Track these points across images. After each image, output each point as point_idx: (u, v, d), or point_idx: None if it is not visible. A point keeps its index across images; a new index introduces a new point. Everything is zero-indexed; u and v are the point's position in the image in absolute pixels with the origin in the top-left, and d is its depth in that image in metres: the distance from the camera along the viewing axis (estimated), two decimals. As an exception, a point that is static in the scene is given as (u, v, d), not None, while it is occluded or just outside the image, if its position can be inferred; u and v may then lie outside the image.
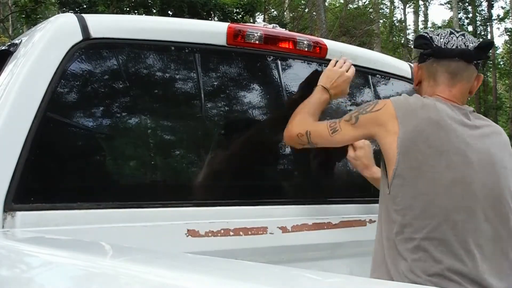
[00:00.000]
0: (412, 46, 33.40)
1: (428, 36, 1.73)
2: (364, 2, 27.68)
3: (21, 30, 19.74)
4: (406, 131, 1.58)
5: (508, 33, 33.40)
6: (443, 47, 1.70)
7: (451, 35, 1.71)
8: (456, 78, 1.71)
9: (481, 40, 1.75)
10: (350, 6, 26.60)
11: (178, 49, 1.89)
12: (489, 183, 1.58)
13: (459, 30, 1.76)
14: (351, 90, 2.32)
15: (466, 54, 1.69)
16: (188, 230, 1.69)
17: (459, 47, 1.69)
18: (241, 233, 1.77)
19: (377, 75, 2.33)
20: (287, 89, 2.11)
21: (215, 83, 2.00)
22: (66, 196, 1.62)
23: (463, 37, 1.71)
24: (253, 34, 1.97)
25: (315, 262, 1.93)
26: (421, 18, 34.34)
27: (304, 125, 1.86)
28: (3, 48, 1.99)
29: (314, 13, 20.44)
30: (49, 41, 1.66)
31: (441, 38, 1.71)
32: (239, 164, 1.99)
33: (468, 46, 1.70)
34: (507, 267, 1.58)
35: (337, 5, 29.90)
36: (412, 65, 2.47)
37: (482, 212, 1.56)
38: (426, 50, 1.73)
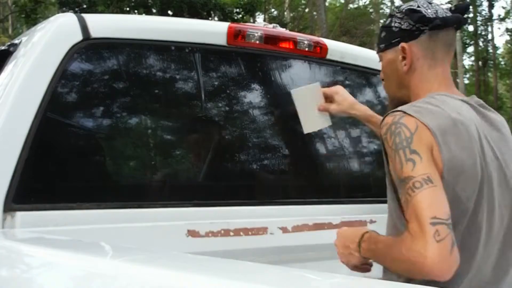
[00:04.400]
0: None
1: (418, 9, 1.53)
2: (365, 2, 27.69)
3: (20, 30, 19.75)
4: (449, 162, 1.36)
5: (509, 33, 33.39)
6: (438, 16, 1.52)
7: (432, 4, 1.55)
8: (451, 49, 1.57)
9: (451, 8, 1.60)
10: (351, 6, 26.61)
11: (178, 49, 1.89)
12: (508, 203, 1.47)
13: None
14: (351, 90, 2.32)
15: (460, 20, 1.55)
16: (188, 231, 1.69)
17: (446, 14, 1.54)
18: (241, 233, 1.76)
19: (378, 75, 2.33)
20: (287, 89, 2.11)
21: (216, 83, 2.00)
22: (66, 196, 1.62)
23: (440, 6, 1.58)
24: (254, 34, 1.97)
25: (315, 262, 1.93)
26: (421, 18, 34.31)
27: (422, 219, 1.27)
28: (3, 48, 1.99)
29: (314, 13, 20.44)
30: (49, 41, 1.66)
31: (428, 9, 1.53)
32: (239, 164, 1.99)
33: (447, 13, 1.55)
34: None
35: (338, 5, 29.92)
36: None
37: (502, 239, 1.45)
38: (427, 23, 1.51)
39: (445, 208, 1.28)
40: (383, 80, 1.67)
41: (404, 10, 1.55)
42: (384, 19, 1.71)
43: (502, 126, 1.55)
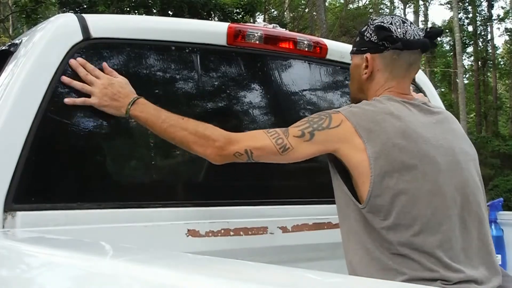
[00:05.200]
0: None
1: (386, 26, 1.65)
2: (364, 2, 27.69)
3: (21, 30, 19.75)
4: (375, 151, 1.52)
5: (508, 33, 33.39)
6: (404, 37, 1.63)
7: (405, 24, 1.65)
8: (411, 68, 1.68)
9: (426, 28, 1.73)
10: (350, 6, 26.61)
11: (178, 49, 1.89)
12: (459, 185, 1.57)
13: (403, 18, 1.70)
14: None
15: (426, 45, 1.67)
16: (188, 230, 1.69)
17: (415, 37, 1.64)
18: (241, 233, 1.77)
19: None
20: (287, 89, 2.11)
21: (215, 83, 2.00)
22: (66, 196, 1.62)
23: (413, 26, 1.67)
24: (253, 34, 1.97)
25: (315, 262, 1.93)
26: (421, 18, 34.38)
27: (242, 142, 1.62)
28: (4, 48, 1.99)
29: (314, 13, 20.44)
30: (50, 41, 1.66)
31: (398, 28, 1.64)
32: (239, 164, 1.99)
33: (419, 35, 1.66)
34: (494, 269, 1.57)
35: (337, 5, 29.92)
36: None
37: (458, 218, 1.54)
38: (392, 42, 1.63)
39: (258, 145, 1.60)
40: (349, 83, 1.81)
41: (374, 27, 1.67)
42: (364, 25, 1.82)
43: (447, 119, 1.70)
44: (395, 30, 1.63)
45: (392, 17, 1.68)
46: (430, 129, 1.59)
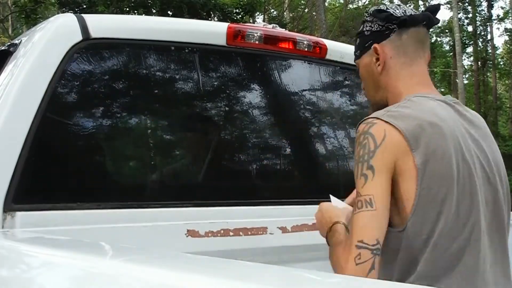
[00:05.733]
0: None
1: (385, 9, 1.56)
2: (364, 2, 27.70)
3: (21, 30, 19.74)
4: (422, 165, 1.35)
5: (508, 33, 33.40)
6: (406, 15, 1.53)
7: (401, 6, 1.58)
8: (424, 46, 1.56)
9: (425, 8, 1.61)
10: (350, 6, 26.61)
11: (178, 49, 1.89)
12: (490, 197, 1.47)
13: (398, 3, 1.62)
14: (350, 90, 2.32)
15: (430, 18, 1.56)
16: (188, 230, 1.69)
17: (412, 13, 1.55)
18: (241, 233, 1.77)
19: (377, 75, 2.33)
20: (286, 89, 2.11)
21: (215, 83, 2.00)
22: (66, 196, 1.62)
23: (410, 7, 1.60)
24: (253, 34, 1.97)
25: (315, 262, 1.92)
26: (421, 18, 34.33)
27: (347, 246, 1.35)
28: (3, 48, 1.99)
29: (314, 13, 20.44)
30: (49, 41, 1.66)
31: (396, 10, 1.55)
32: (239, 164, 1.99)
33: (416, 12, 1.57)
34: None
35: (337, 5, 29.92)
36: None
37: (488, 237, 1.45)
38: (396, 21, 1.52)
39: (375, 234, 1.32)
40: (363, 89, 1.64)
41: (372, 12, 1.58)
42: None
43: (480, 122, 1.56)
44: (393, 12, 1.54)
45: (385, 4, 1.63)
46: (469, 136, 1.48)
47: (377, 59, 1.54)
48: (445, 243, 1.36)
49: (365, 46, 1.58)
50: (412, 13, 1.55)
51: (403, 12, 1.54)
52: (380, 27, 1.54)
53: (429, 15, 1.56)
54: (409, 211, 1.35)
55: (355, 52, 1.64)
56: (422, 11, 1.60)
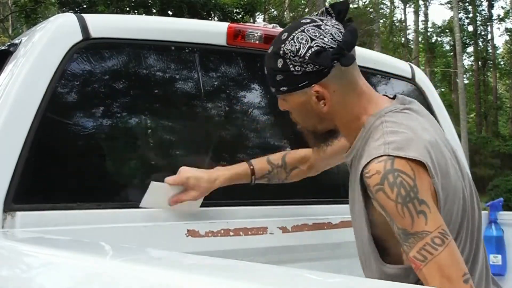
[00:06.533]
0: (412, 46, 33.47)
1: (321, 46, 1.36)
2: (364, 2, 27.70)
3: (21, 30, 19.76)
4: (440, 187, 1.33)
5: (508, 33, 33.40)
6: (337, 42, 1.37)
7: (322, 27, 1.38)
8: (357, 66, 1.44)
9: (324, 11, 1.44)
10: (350, 6, 26.61)
11: (178, 49, 1.89)
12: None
13: (309, 19, 1.42)
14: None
15: (355, 34, 1.42)
16: (188, 230, 1.68)
17: (339, 33, 1.39)
18: (241, 233, 1.76)
19: (378, 75, 2.33)
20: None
21: (215, 83, 2.00)
22: (66, 196, 1.62)
23: (324, 23, 1.40)
24: (253, 34, 1.97)
25: (315, 262, 1.93)
26: (421, 18, 34.41)
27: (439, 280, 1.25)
28: (3, 48, 1.99)
29: (314, 13, 20.43)
30: (49, 41, 1.66)
31: (324, 38, 1.37)
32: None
33: (340, 29, 1.40)
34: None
35: (337, 5, 29.86)
36: (412, 65, 2.47)
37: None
38: (336, 55, 1.35)
39: (464, 264, 1.28)
40: (294, 119, 1.52)
41: (303, 56, 1.36)
42: (270, 57, 1.41)
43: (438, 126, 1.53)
44: (325, 44, 1.36)
45: (304, 32, 1.38)
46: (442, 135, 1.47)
47: (318, 98, 1.40)
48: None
49: (298, 85, 1.40)
50: (341, 39, 1.37)
51: (330, 39, 1.37)
52: (317, 67, 1.37)
53: (354, 32, 1.40)
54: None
55: (276, 86, 1.45)
56: (328, 10, 1.43)
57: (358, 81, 1.44)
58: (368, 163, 1.32)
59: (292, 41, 1.38)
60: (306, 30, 1.39)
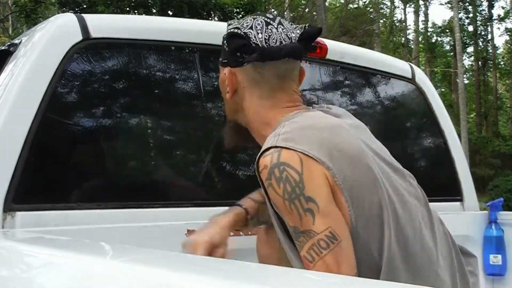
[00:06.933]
0: (412, 46, 33.48)
1: (241, 32, 1.35)
2: (364, 2, 27.71)
3: (21, 30, 19.76)
4: (344, 177, 1.24)
5: (508, 33, 33.42)
6: (265, 45, 1.33)
7: (269, 27, 1.34)
8: (286, 80, 1.38)
9: (304, 27, 1.39)
10: (350, 6, 26.62)
11: (178, 49, 1.89)
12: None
13: (271, 16, 1.40)
14: (351, 90, 2.32)
15: (297, 52, 1.36)
16: (188, 231, 1.68)
17: (283, 41, 1.34)
18: (241, 233, 1.76)
19: (378, 75, 2.33)
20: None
21: (216, 83, 2.00)
22: (66, 196, 1.62)
23: (282, 27, 1.36)
24: (253, 34, 1.96)
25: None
26: (421, 18, 34.42)
27: None
28: (3, 48, 1.99)
29: (314, 13, 20.44)
30: (49, 41, 1.66)
31: (258, 34, 1.33)
32: (239, 164, 1.99)
33: (291, 38, 1.36)
34: None
35: (337, 5, 29.93)
36: (412, 65, 2.47)
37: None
38: (248, 53, 1.34)
39: (354, 262, 1.23)
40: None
41: (229, 32, 1.38)
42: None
43: (362, 125, 1.46)
44: (254, 36, 1.34)
45: (254, 19, 1.38)
46: (365, 140, 1.38)
47: (227, 82, 1.41)
48: None
49: (222, 61, 1.43)
50: (273, 45, 1.34)
51: (265, 39, 1.34)
52: (235, 51, 1.36)
53: (293, 49, 1.35)
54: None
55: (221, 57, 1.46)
56: (304, 29, 1.39)
57: (276, 94, 1.38)
58: (259, 157, 1.28)
59: (240, 20, 1.41)
60: (255, 19, 1.38)
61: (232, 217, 1.53)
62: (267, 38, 1.34)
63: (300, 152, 1.22)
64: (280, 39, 1.35)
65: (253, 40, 1.34)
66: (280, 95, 1.39)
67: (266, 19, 1.37)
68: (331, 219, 1.22)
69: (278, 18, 1.40)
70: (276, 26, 1.36)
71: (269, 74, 1.37)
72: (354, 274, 1.21)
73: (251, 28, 1.35)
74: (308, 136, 1.25)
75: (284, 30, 1.36)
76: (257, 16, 1.39)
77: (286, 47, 1.34)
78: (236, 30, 1.36)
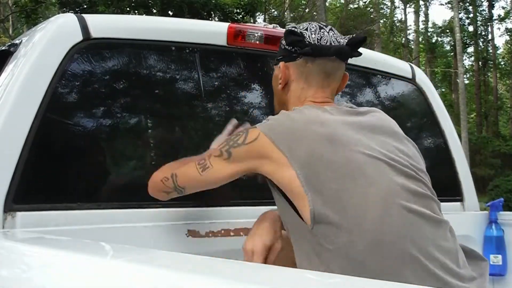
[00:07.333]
0: (412, 46, 33.47)
1: (298, 31, 1.54)
2: (365, 2, 27.71)
3: (21, 30, 19.78)
4: (300, 163, 1.36)
5: (508, 33, 33.41)
6: (317, 43, 1.52)
7: (322, 30, 1.54)
8: (330, 78, 1.56)
9: (351, 36, 1.58)
10: (351, 6, 26.63)
11: (178, 49, 1.89)
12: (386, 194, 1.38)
13: (324, 24, 1.59)
14: (351, 90, 2.32)
15: (344, 52, 1.54)
16: (188, 231, 1.69)
17: (332, 43, 1.53)
18: (241, 233, 1.76)
19: (378, 75, 2.33)
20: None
21: (216, 83, 2.00)
22: (66, 196, 1.62)
23: (333, 32, 1.55)
24: (254, 34, 1.97)
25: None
26: (421, 18, 34.41)
27: (170, 168, 1.60)
28: (4, 48, 1.99)
29: (314, 13, 20.44)
30: (49, 41, 1.66)
31: (312, 34, 1.53)
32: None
33: (340, 42, 1.54)
34: None
35: (338, 5, 29.95)
36: (413, 65, 2.47)
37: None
38: (301, 48, 1.52)
39: (195, 185, 1.56)
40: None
41: (285, 32, 1.57)
42: None
43: (378, 118, 1.53)
44: (308, 36, 1.53)
45: (309, 23, 1.58)
46: (359, 130, 1.45)
47: (281, 76, 1.59)
48: None
49: (278, 58, 1.63)
50: (324, 44, 1.52)
51: (317, 39, 1.52)
52: (290, 47, 1.56)
53: (342, 50, 1.53)
54: (308, 215, 1.37)
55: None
56: (346, 41, 1.55)
57: (318, 90, 1.56)
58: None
59: (297, 24, 1.59)
60: (310, 24, 1.57)
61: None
62: (319, 38, 1.53)
63: (263, 134, 1.43)
64: (330, 41, 1.53)
65: (307, 38, 1.53)
66: (320, 90, 1.56)
67: (319, 24, 1.57)
68: (231, 164, 1.48)
69: (330, 26, 1.58)
70: (327, 31, 1.55)
71: (317, 69, 1.54)
72: (181, 186, 1.56)
73: (306, 29, 1.55)
74: (282, 126, 1.44)
75: (334, 35, 1.55)
76: (312, 22, 1.59)
77: (334, 46, 1.52)
78: (293, 29, 1.55)
